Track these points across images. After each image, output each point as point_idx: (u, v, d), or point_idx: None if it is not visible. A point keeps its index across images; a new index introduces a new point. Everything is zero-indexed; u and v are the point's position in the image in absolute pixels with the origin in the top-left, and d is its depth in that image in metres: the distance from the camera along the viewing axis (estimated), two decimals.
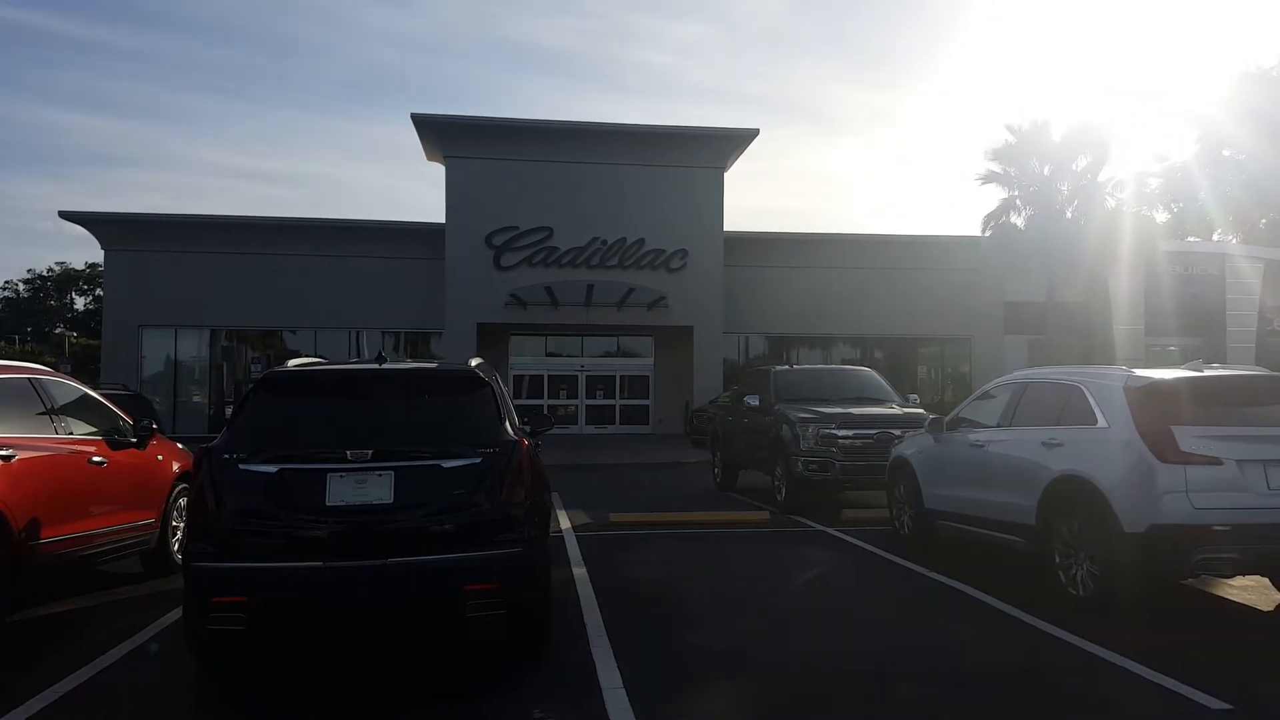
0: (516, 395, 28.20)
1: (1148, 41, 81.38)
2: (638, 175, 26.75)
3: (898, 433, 10.30)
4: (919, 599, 6.92)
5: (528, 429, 7.02)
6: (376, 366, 5.34)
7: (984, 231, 27.98)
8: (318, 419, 5.13)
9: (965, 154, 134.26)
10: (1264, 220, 41.36)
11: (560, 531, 9.64)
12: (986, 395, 8.07)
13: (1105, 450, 6.13)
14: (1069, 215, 26.63)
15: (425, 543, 4.75)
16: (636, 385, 29.47)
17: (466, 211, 25.84)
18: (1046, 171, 26.96)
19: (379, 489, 4.74)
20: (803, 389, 12.55)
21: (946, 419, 8.45)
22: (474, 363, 5.57)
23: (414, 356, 27.33)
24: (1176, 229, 43.20)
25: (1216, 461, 5.64)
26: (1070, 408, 6.65)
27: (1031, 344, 28.86)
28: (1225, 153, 41.65)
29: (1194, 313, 30.66)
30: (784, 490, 11.60)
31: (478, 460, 4.84)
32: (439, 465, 4.81)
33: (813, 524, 10.37)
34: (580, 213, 26.18)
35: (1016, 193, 27.28)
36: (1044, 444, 6.72)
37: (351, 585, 4.67)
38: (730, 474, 14.25)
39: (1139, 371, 6.34)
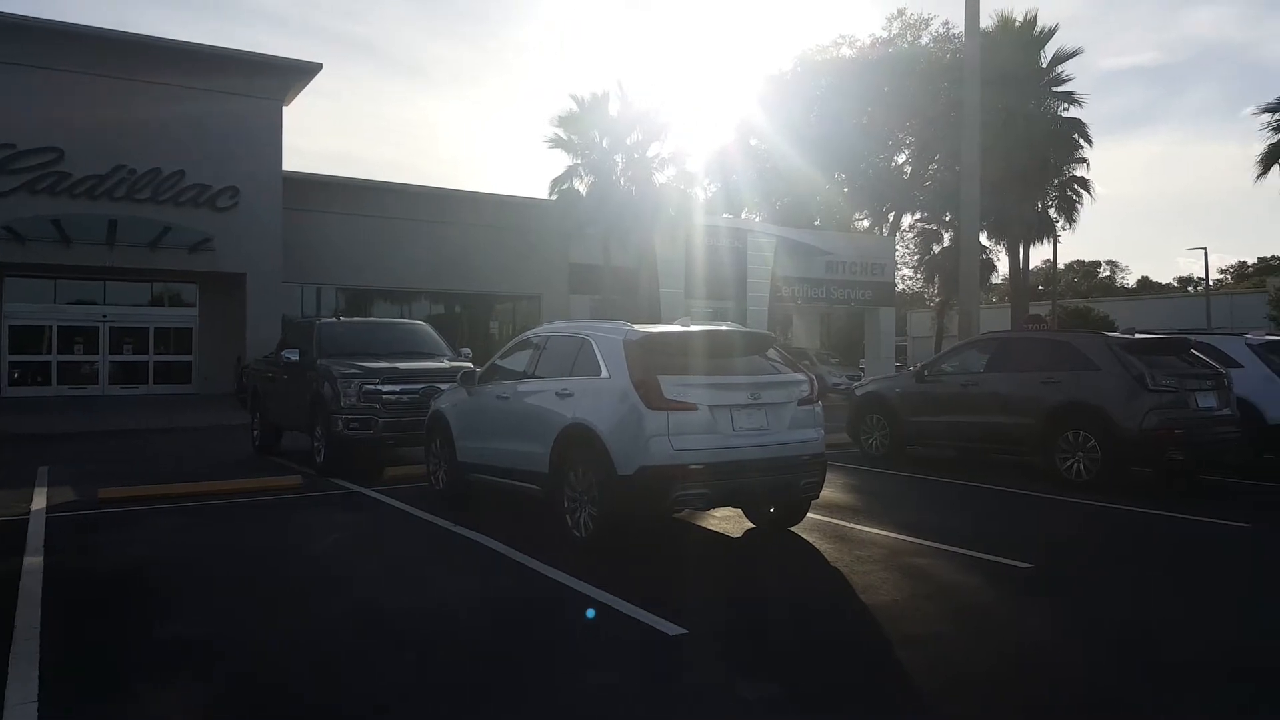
0: (16, 350, 23.43)
1: (707, 35, 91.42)
2: (178, 99, 23.34)
3: (445, 388, 10.13)
4: (435, 555, 6.79)
5: None
6: None
7: (551, 195, 29.14)
8: None
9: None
10: (779, 203, 48.62)
11: (27, 514, 7.99)
12: (515, 349, 8.16)
13: (605, 399, 6.47)
14: (623, 185, 28.71)
15: None
16: (178, 339, 26.10)
17: None
18: (605, 143, 28.72)
19: None
20: (349, 343, 11.87)
21: (479, 372, 8.43)
22: None
23: None
24: (718, 205, 49.23)
25: (692, 408, 6.21)
26: (581, 360, 6.93)
27: (593, 303, 30.91)
28: (753, 142, 48.17)
29: (725, 279, 35.11)
30: (323, 451, 10.91)
31: None
32: None
33: (351, 486, 9.86)
34: (102, 135, 22.19)
35: (580, 160, 28.74)
36: (558, 394, 6.94)
37: None
38: (272, 436, 13.15)
39: (637, 327, 6.77)
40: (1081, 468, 9.43)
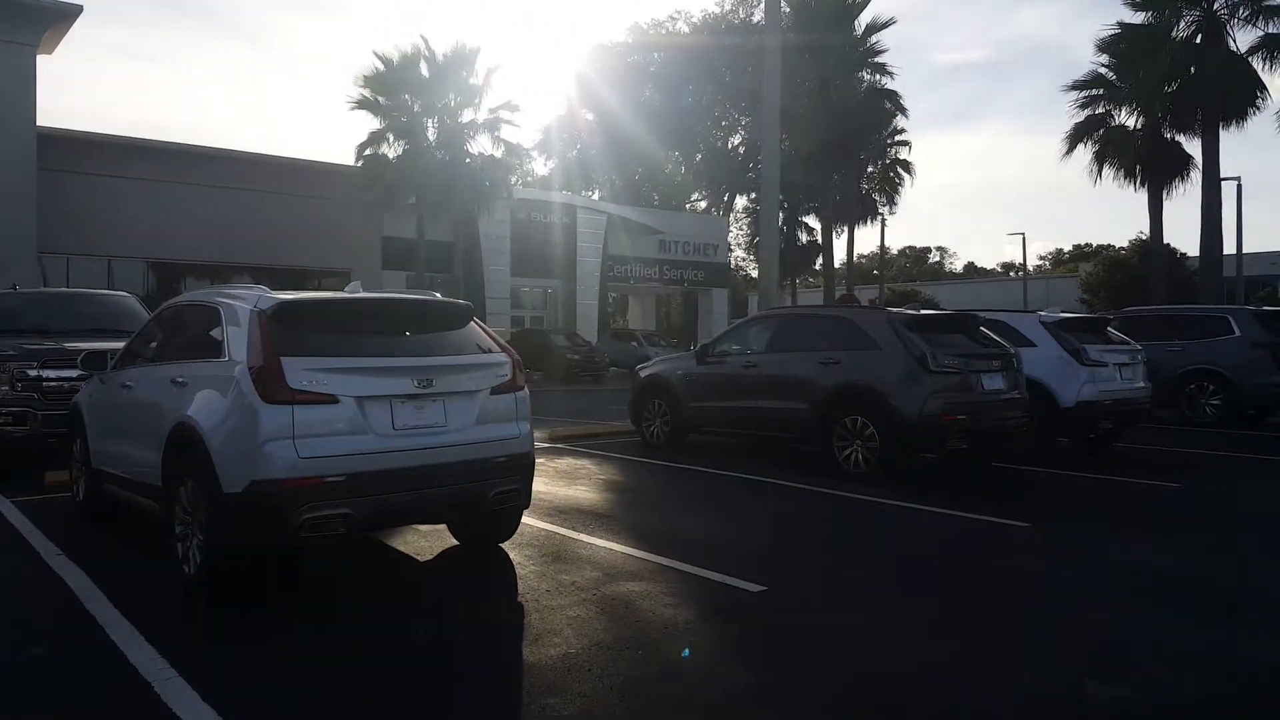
0: None
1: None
2: None
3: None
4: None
5: None
6: None
7: (356, 161, 26.75)
8: None
9: None
10: (617, 180, 47.34)
11: None
12: (155, 321, 6.38)
13: (216, 390, 4.85)
14: (439, 154, 26.66)
15: None
16: None
17: None
18: (416, 107, 26.59)
19: None
20: (22, 319, 9.69)
21: (119, 354, 6.58)
22: None
23: None
24: (559, 180, 47.58)
25: (332, 400, 4.68)
26: (206, 336, 5.28)
27: (409, 280, 28.68)
28: (589, 116, 46.75)
29: (553, 257, 33.66)
30: None
31: None
32: None
33: None
34: None
35: (388, 123, 26.49)
36: (174, 383, 5.26)
37: None
38: None
39: (276, 293, 5.16)
40: (860, 457, 8.51)
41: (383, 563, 5.79)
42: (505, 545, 5.97)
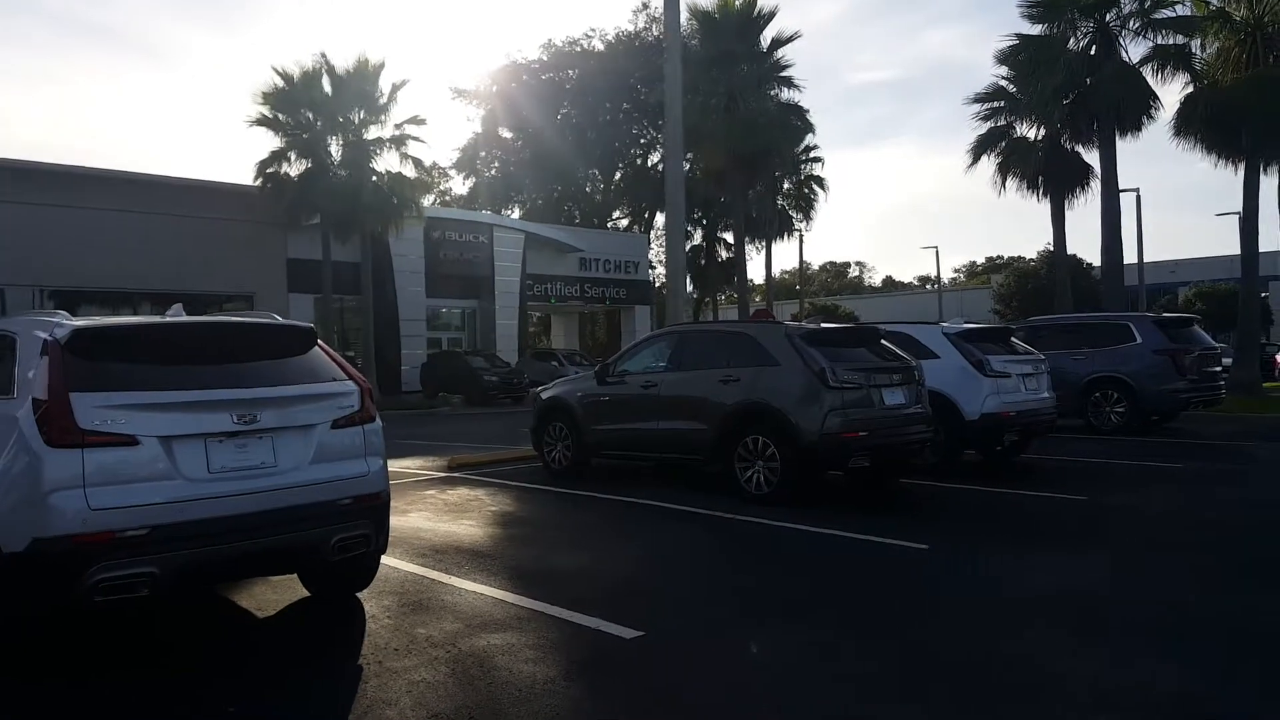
0: None
1: (446, 17, 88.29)
2: None
3: None
4: None
5: None
6: None
7: (256, 180, 25.70)
8: None
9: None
10: (537, 198, 46.71)
11: None
12: None
13: (1, 433, 4.20)
14: (343, 172, 25.77)
15: None
16: None
17: None
18: (319, 124, 25.68)
19: None
20: None
21: None
22: None
23: None
24: (480, 198, 46.73)
25: (130, 441, 4.07)
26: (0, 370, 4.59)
27: (317, 303, 27.62)
28: (506, 134, 46.09)
29: (469, 277, 32.91)
30: None
31: None
32: None
33: None
34: None
35: (288, 141, 25.52)
36: None
37: None
38: None
39: (77, 320, 4.51)
40: (762, 478, 8.14)
41: (213, 620, 5.13)
42: (364, 594, 5.39)
